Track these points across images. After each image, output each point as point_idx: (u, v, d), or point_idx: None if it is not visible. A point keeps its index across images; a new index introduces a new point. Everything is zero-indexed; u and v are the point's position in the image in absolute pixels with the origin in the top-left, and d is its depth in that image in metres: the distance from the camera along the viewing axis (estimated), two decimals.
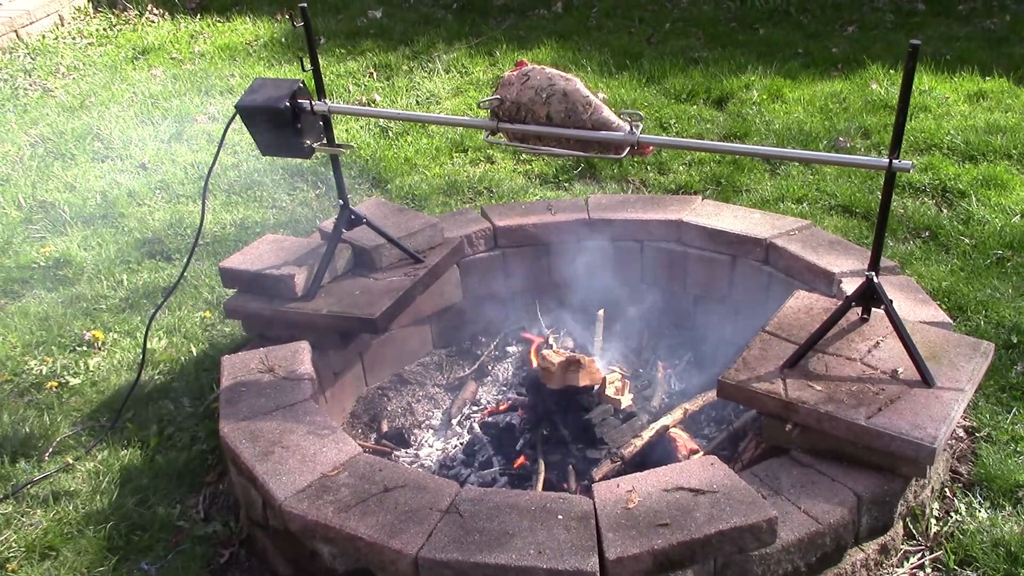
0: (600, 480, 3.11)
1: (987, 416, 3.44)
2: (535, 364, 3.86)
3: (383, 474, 2.76)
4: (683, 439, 3.38)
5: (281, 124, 3.29)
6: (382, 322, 3.45)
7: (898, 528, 2.89)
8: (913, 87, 2.58)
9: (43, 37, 8.17)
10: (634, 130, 2.88)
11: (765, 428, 2.97)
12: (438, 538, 2.50)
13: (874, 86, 6.34)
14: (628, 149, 2.91)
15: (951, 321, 3.33)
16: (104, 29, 8.46)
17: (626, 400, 3.55)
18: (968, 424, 3.44)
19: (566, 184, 5.32)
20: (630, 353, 4.06)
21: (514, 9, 8.51)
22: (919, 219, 4.74)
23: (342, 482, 2.73)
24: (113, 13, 8.74)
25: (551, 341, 4.02)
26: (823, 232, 3.95)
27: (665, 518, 2.50)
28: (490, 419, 3.71)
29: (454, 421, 3.78)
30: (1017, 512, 3.04)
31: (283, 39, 7.95)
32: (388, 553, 2.50)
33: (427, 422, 3.83)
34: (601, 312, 4.08)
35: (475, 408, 3.87)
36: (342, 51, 7.59)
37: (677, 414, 3.51)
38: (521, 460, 3.42)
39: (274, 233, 4.42)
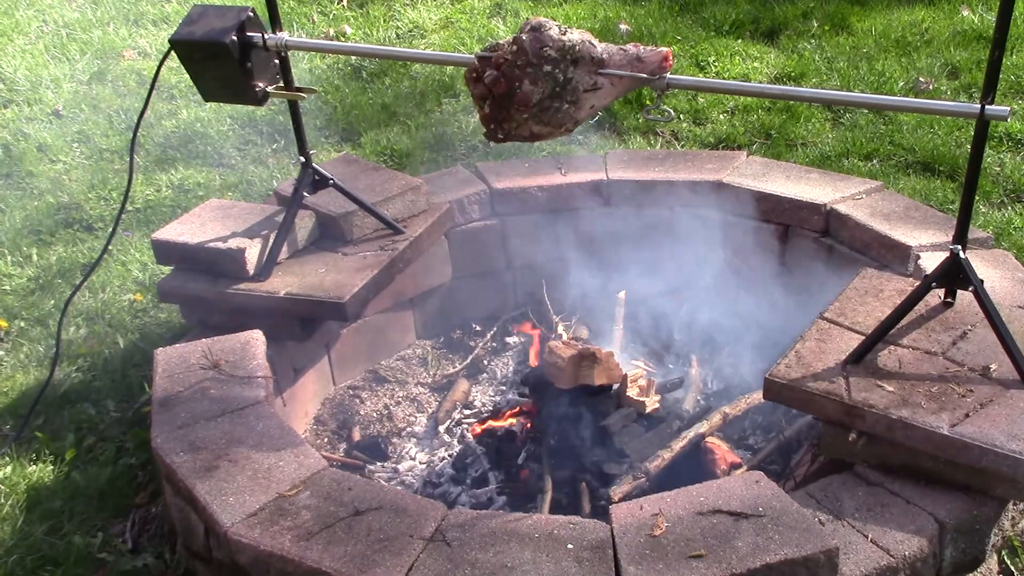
0: (619, 501, 3.11)
1: None
2: (535, 362, 3.87)
3: (353, 493, 2.75)
4: (722, 450, 3.38)
5: (227, 63, 3.27)
6: (353, 307, 3.44)
7: (991, 563, 2.88)
8: (1015, 12, 2.56)
9: None
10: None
11: (823, 437, 2.96)
12: (420, 572, 2.50)
13: (965, 12, 6.31)
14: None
15: None
16: None
17: (652, 403, 3.55)
18: None
19: (580, 136, 5.30)
20: (657, 345, 4.06)
21: None
22: (1019, 179, 4.72)
23: (303, 504, 2.73)
24: None
25: (560, 330, 4.02)
26: (898, 196, 3.94)
27: (700, 548, 2.50)
28: (485, 427, 3.71)
29: (442, 428, 3.79)
30: None
31: None
32: None
33: (409, 429, 3.83)
34: (622, 294, 4.07)
35: (467, 412, 3.87)
36: None
37: (715, 419, 3.50)
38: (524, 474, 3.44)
39: (220, 197, 4.42)
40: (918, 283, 3.01)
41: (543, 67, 2.81)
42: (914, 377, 2.87)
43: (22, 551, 3.18)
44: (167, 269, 3.73)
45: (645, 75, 2.83)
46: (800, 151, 5.06)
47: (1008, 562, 2.95)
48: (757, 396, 3.53)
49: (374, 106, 5.69)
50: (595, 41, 2.86)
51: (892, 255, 3.62)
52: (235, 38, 3.23)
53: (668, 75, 2.86)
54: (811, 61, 5.86)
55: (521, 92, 2.82)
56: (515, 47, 2.83)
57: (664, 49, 2.84)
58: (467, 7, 6.86)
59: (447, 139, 5.33)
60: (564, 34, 2.83)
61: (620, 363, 3.59)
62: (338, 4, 7.03)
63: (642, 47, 2.85)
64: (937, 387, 2.83)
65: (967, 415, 2.72)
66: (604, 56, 2.85)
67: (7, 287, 4.45)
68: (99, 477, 3.48)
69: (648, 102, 5.40)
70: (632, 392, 3.53)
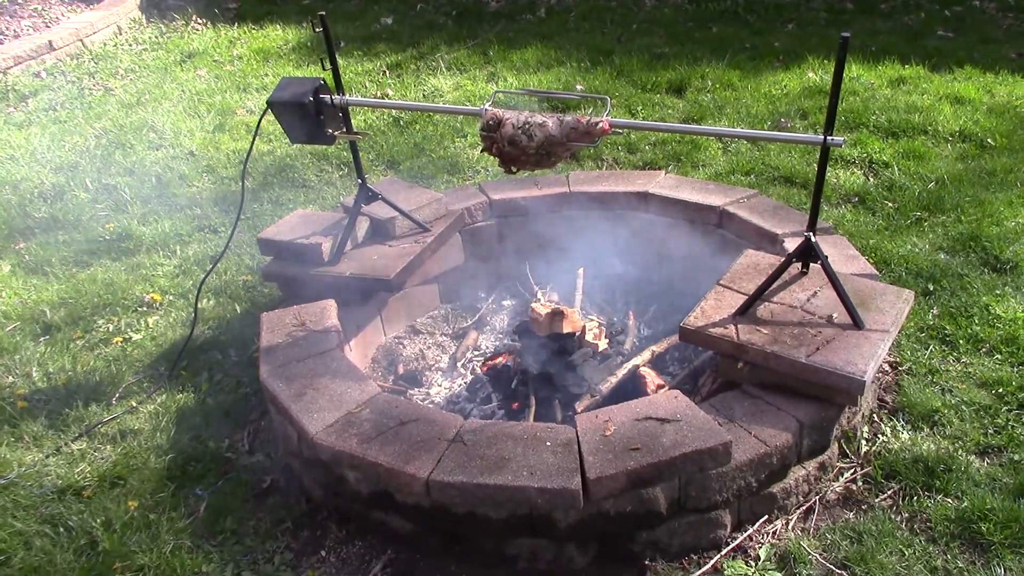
0: (582, 412, 3.09)
1: (908, 353, 3.42)
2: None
3: (399, 410, 2.73)
4: (651, 376, 3.35)
5: (306, 116, 3.21)
6: (397, 282, 3.41)
7: (834, 448, 2.87)
8: (844, 75, 2.52)
9: (104, 44, 8.01)
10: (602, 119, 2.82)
11: (720, 366, 2.94)
12: (445, 463, 2.48)
13: (810, 74, 6.24)
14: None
15: (877, 273, 3.29)
16: (155, 37, 8.30)
17: (603, 344, 3.52)
18: (892, 360, 3.41)
19: None
20: (606, 304, 4.02)
21: (504, 15, 8.36)
22: (850, 187, 4.68)
23: (364, 417, 2.70)
24: (163, 23, 8.57)
25: (539, 295, 3.98)
26: (768, 200, 3.90)
27: (637, 443, 2.48)
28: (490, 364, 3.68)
29: (459, 364, 3.75)
30: (933, 433, 3.03)
31: (308, 43, 7.81)
32: (404, 477, 2.48)
33: (436, 365, 3.80)
34: (581, 270, 4.03)
35: (477, 353, 3.83)
36: (359, 53, 7.46)
37: (646, 355, 3.48)
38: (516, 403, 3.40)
39: (304, 208, 4.36)
40: (783, 259, 2.98)
41: (531, 153, 2.84)
42: (781, 323, 2.85)
43: (175, 452, 3.17)
44: (268, 258, 3.68)
45: (591, 143, 2.86)
46: (701, 170, 5.01)
47: (845, 447, 2.95)
48: (674, 338, 3.50)
49: (408, 144, 5.62)
50: (553, 128, 2.84)
51: (765, 240, 3.58)
52: (312, 99, 3.17)
53: (611, 119, 2.83)
54: (707, 108, 5.79)
55: (521, 159, 2.87)
56: (507, 149, 2.86)
57: (603, 123, 2.82)
58: (471, 75, 6.77)
59: (459, 166, 5.26)
60: (532, 140, 2.84)
61: (580, 317, 3.56)
62: (382, 75, 6.93)
63: (586, 120, 2.84)
64: (797, 330, 2.81)
65: (817, 349, 2.71)
66: (564, 139, 2.85)
67: (160, 272, 4.39)
68: (225, 402, 3.45)
69: None
70: (589, 337, 3.51)
